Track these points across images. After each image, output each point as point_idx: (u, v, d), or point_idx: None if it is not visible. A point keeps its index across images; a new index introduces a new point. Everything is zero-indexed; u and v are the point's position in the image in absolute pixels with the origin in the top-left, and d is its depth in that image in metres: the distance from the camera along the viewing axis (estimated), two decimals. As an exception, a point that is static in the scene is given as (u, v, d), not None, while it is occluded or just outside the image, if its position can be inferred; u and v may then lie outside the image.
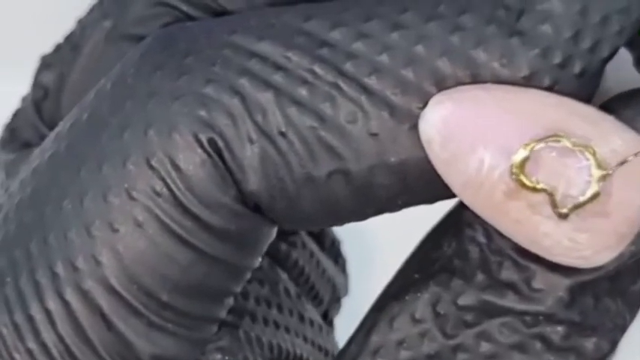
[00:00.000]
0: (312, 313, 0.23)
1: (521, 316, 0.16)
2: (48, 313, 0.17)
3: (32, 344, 0.17)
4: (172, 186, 0.16)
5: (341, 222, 0.17)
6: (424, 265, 0.17)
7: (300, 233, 0.23)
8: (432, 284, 0.16)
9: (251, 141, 0.16)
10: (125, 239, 0.16)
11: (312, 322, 0.22)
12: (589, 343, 0.16)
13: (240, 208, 0.16)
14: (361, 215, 0.17)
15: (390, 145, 0.16)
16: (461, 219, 0.16)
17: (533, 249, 0.16)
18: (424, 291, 0.16)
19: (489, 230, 0.16)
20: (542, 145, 0.15)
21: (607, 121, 0.15)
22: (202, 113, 0.16)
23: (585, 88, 0.15)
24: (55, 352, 0.17)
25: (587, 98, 0.16)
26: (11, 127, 0.22)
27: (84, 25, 0.21)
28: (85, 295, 0.16)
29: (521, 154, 0.15)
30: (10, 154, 0.21)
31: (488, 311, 0.16)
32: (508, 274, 0.16)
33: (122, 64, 0.17)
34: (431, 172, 0.16)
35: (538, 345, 0.16)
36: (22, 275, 0.17)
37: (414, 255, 0.17)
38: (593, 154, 0.15)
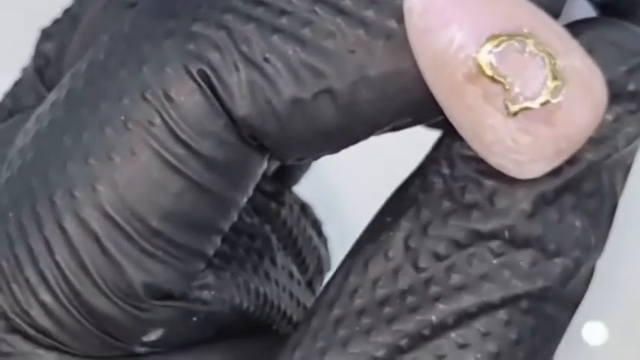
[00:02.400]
0: (298, 275, 0.23)
1: (487, 242, 0.17)
2: (46, 242, 0.17)
3: (30, 273, 0.17)
4: (165, 116, 0.17)
5: (334, 145, 0.18)
6: (395, 208, 0.18)
7: (288, 196, 0.24)
8: (403, 221, 0.17)
9: (237, 69, 0.17)
10: (120, 167, 0.17)
11: (299, 282, 0.23)
12: (555, 266, 0.17)
13: (229, 136, 0.17)
14: (352, 135, 0.17)
15: (369, 59, 0.16)
16: (425, 160, 0.17)
17: (475, 143, 0.16)
18: (396, 230, 0.17)
19: (453, 158, 0.17)
20: (510, 40, 0.16)
21: (572, 41, 0.16)
22: (191, 47, 0.17)
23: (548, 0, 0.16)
24: (51, 279, 0.17)
25: (550, 12, 0.16)
26: (13, 94, 0.23)
27: None
28: (82, 222, 0.17)
29: (489, 42, 0.16)
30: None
31: (456, 239, 0.17)
32: (471, 196, 0.17)
33: (119, 24, 0.18)
34: (410, 84, 0.17)
35: (507, 273, 0.17)
36: (24, 209, 0.17)
37: (386, 204, 0.18)
38: (554, 64, 0.16)
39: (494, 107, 0.16)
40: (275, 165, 0.24)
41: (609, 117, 0.17)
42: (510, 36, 0.16)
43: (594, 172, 0.17)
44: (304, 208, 0.25)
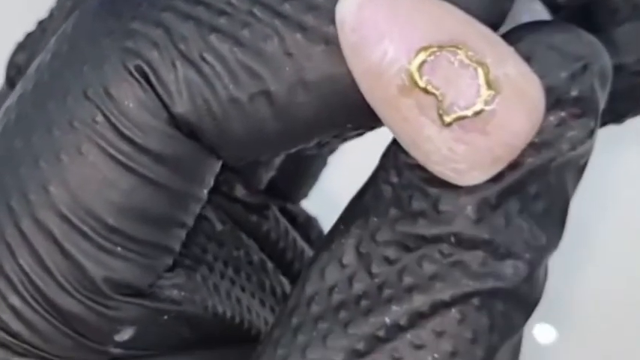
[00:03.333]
0: (282, 286, 0.23)
1: (435, 245, 0.17)
2: (8, 246, 0.18)
3: None
4: (107, 113, 0.17)
5: (272, 147, 0.18)
6: (347, 216, 0.18)
7: (272, 208, 0.24)
8: (353, 228, 0.18)
9: (175, 66, 0.17)
10: (69, 167, 0.17)
11: (274, 293, 0.23)
12: (506, 267, 0.17)
13: (173, 131, 0.17)
14: (290, 139, 0.18)
15: (306, 63, 0.17)
16: (377, 168, 0.18)
17: (415, 152, 0.17)
18: (347, 236, 0.18)
19: (400, 167, 0.17)
20: (441, 51, 0.16)
21: (506, 48, 0.16)
22: (129, 44, 0.17)
23: (483, 10, 0.17)
24: (17, 282, 0.18)
25: (489, 23, 0.17)
26: None
27: (52, 10, 0.23)
28: (39, 224, 0.17)
29: (420, 54, 0.16)
30: None
31: (405, 244, 0.17)
32: (417, 204, 0.17)
33: (65, 25, 0.19)
34: (347, 89, 0.17)
35: (457, 273, 0.17)
36: None
37: (342, 213, 0.18)
38: (486, 73, 0.16)
39: (429, 118, 0.16)
40: (267, 178, 0.24)
41: (552, 122, 0.17)
42: (441, 47, 0.16)
43: (538, 175, 0.17)
44: (308, 222, 0.26)
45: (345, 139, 0.23)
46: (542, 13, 0.19)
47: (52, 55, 0.18)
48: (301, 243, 0.25)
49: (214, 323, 0.20)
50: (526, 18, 0.18)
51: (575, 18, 0.19)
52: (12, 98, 0.18)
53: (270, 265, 0.23)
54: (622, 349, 0.43)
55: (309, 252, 0.25)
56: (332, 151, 0.26)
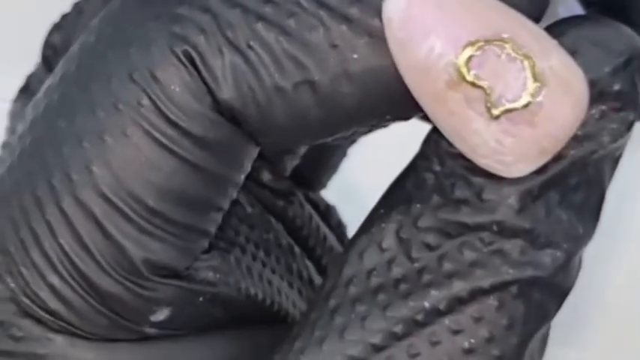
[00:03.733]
0: (308, 269, 0.23)
1: (477, 232, 0.17)
2: (49, 225, 0.18)
3: (36, 256, 0.18)
4: (153, 96, 0.17)
5: (312, 135, 0.18)
6: (388, 202, 0.18)
7: (298, 195, 0.24)
8: (394, 214, 0.18)
9: (222, 53, 0.17)
10: (113, 148, 0.17)
11: (300, 276, 0.23)
12: (545, 256, 0.17)
13: (216, 116, 0.18)
14: (331, 127, 0.18)
15: (350, 55, 0.17)
16: (418, 155, 0.18)
17: (462, 146, 0.17)
18: (388, 221, 0.18)
19: (442, 155, 0.17)
20: (488, 45, 0.16)
21: (550, 41, 0.17)
22: (177, 29, 0.17)
23: (526, 4, 0.17)
24: (56, 260, 0.18)
25: (531, 17, 0.17)
26: (25, 87, 0.24)
27: None
28: (80, 204, 0.18)
29: (467, 49, 0.16)
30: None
31: (447, 231, 0.17)
32: (460, 192, 0.17)
33: (109, 7, 0.19)
34: (391, 80, 0.17)
35: (497, 261, 0.17)
36: (25, 194, 0.18)
37: (381, 198, 0.18)
38: (533, 66, 0.16)
39: (477, 112, 0.16)
40: (292, 165, 0.25)
41: (594, 115, 0.17)
42: (488, 41, 0.16)
43: (579, 167, 0.17)
44: (328, 210, 0.26)
45: (371, 130, 0.23)
46: (576, 7, 0.19)
47: (96, 37, 0.18)
48: (324, 229, 0.25)
49: (247, 305, 0.20)
50: (562, 12, 0.19)
51: (608, 12, 0.19)
52: (53, 78, 0.19)
53: (297, 249, 0.23)
54: (627, 347, 0.43)
55: (330, 238, 0.25)
56: (352, 142, 0.26)
